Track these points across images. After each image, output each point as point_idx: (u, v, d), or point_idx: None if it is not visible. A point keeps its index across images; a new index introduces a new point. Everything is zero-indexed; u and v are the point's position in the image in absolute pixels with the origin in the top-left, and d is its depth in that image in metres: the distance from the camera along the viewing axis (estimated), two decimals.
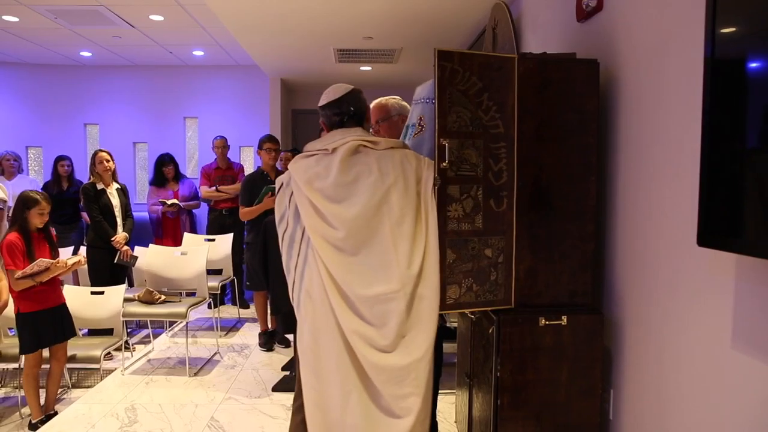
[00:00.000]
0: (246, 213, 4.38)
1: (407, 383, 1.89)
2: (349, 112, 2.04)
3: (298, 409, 2.11)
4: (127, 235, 4.40)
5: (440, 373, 2.47)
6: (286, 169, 4.37)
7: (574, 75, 2.14)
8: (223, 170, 5.71)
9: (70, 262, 3.20)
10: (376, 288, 1.87)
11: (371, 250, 1.90)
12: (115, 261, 4.31)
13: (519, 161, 2.05)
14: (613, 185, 2.23)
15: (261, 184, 4.40)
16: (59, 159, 5.63)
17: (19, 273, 3.00)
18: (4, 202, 4.13)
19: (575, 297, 2.17)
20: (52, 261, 3.11)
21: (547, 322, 2.11)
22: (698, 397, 1.70)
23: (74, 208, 5.53)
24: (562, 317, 2.12)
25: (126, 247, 4.37)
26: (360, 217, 1.88)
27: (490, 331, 2.16)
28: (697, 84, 1.49)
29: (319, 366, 1.92)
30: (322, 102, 2.08)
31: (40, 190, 3.88)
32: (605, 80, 2.24)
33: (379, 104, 2.61)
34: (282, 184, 2.07)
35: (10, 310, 3.23)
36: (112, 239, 4.29)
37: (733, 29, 1.35)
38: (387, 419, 1.90)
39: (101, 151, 4.38)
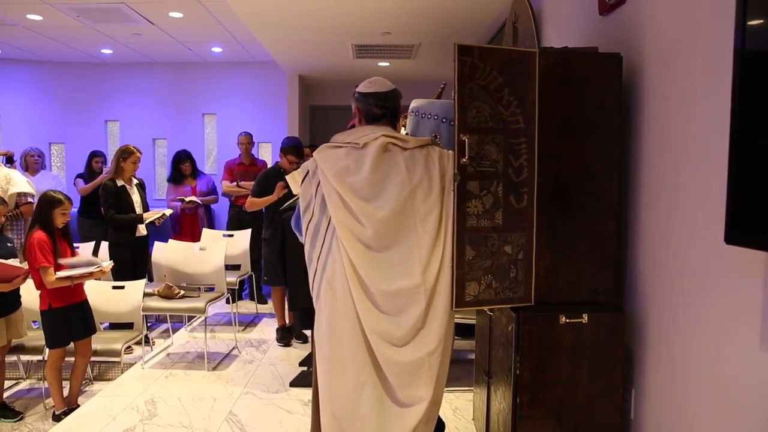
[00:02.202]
0: (251, 203, 4.46)
1: (420, 374, 1.91)
2: (392, 109, 2.04)
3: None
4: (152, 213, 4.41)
5: None
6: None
7: (596, 69, 2.10)
8: (246, 166, 5.74)
9: (106, 270, 3.30)
10: (399, 283, 1.89)
11: (396, 246, 1.91)
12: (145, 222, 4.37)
13: (540, 157, 2.03)
14: (636, 181, 2.19)
15: (276, 180, 4.44)
16: (93, 155, 5.70)
17: (62, 274, 3.09)
18: (33, 196, 4.21)
19: (596, 295, 2.14)
20: (97, 268, 3.20)
21: (567, 320, 2.08)
22: (723, 398, 1.66)
23: None
24: (583, 315, 2.09)
25: (148, 214, 4.38)
26: (389, 218, 1.89)
27: (510, 328, 2.14)
28: (726, 77, 1.45)
29: (334, 357, 1.94)
30: (367, 90, 2.05)
31: (61, 189, 3.95)
32: (628, 75, 2.20)
33: None
34: (308, 171, 2.02)
35: (34, 303, 3.29)
36: (144, 217, 4.31)
37: (763, 21, 1.31)
38: (398, 409, 1.93)
39: (136, 150, 4.38)
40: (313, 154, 2.03)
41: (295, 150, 4.55)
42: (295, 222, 2.19)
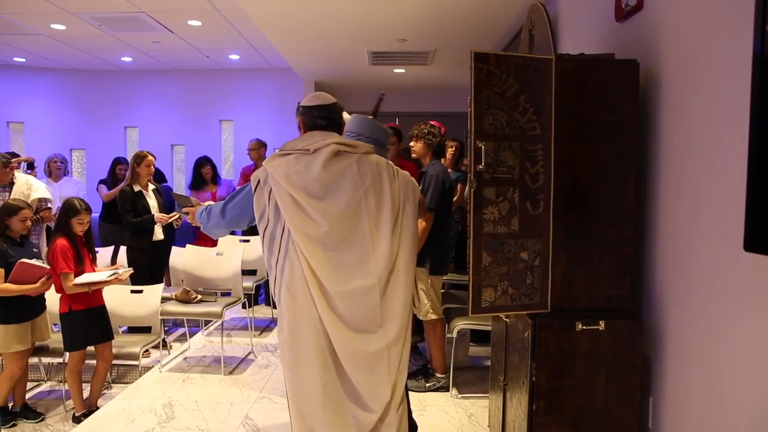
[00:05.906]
0: None
1: (379, 371, 1.95)
2: (335, 120, 2.10)
3: None
4: (163, 215, 4.45)
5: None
6: None
7: (613, 76, 2.10)
8: None
9: (122, 278, 3.35)
10: (355, 282, 1.93)
11: (350, 245, 1.95)
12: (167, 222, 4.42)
13: (556, 163, 2.03)
14: (654, 187, 2.18)
15: None
16: (118, 162, 5.78)
17: (80, 280, 3.15)
18: (51, 201, 4.30)
19: (613, 301, 2.13)
20: (113, 276, 3.26)
21: (584, 327, 2.07)
22: (744, 409, 1.64)
23: None
24: (600, 322, 2.08)
25: (163, 216, 4.42)
26: (343, 213, 1.93)
27: (526, 335, 2.14)
28: (745, 83, 1.44)
29: (297, 360, 1.97)
30: (310, 103, 2.11)
31: (83, 194, 4.01)
32: (645, 81, 2.20)
33: None
34: (258, 180, 2.05)
35: (56, 306, 3.35)
36: (156, 218, 4.36)
37: None
38: (362, 413, 1.96)
39: (149, 154, 4.45)
40: (263, 163, 2.06)
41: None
42: (206, 214, 2.19)
